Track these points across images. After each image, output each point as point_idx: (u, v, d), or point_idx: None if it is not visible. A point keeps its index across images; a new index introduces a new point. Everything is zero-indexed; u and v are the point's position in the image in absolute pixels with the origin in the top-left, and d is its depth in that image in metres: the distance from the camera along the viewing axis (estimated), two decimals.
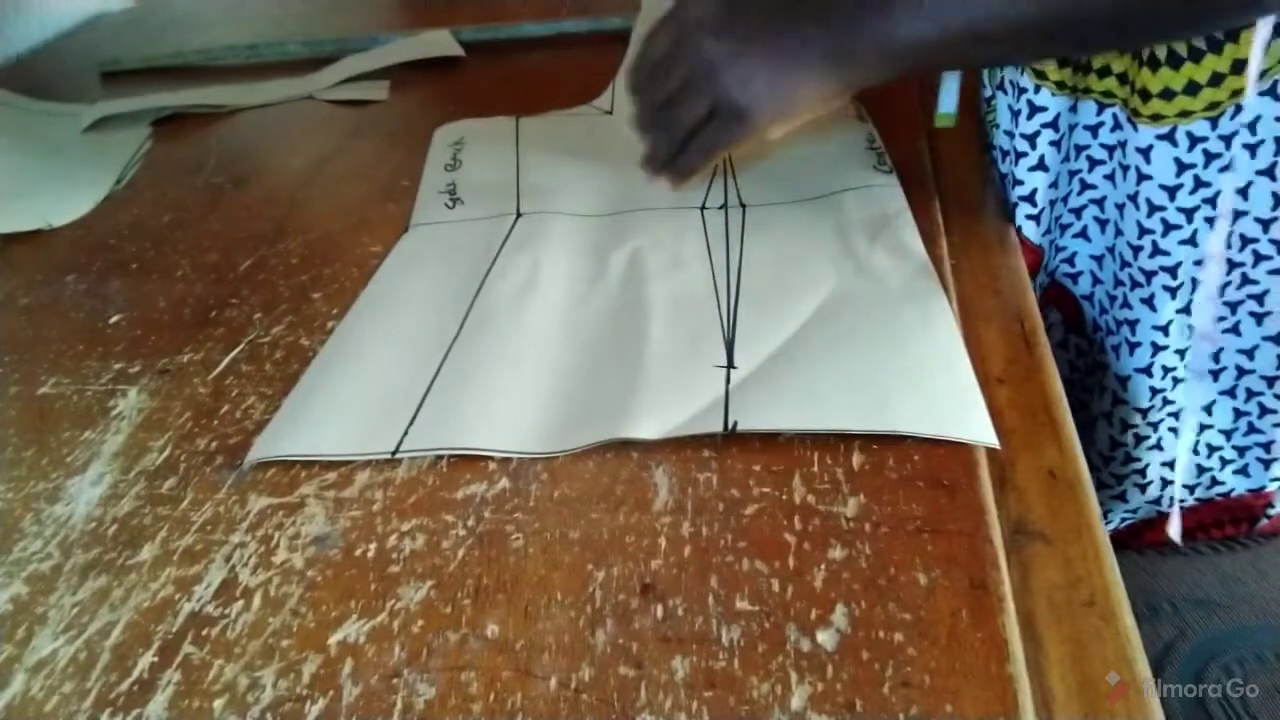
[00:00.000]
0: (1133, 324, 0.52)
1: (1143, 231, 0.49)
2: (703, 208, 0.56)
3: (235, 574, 0.35)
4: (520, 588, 0.33)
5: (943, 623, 0.30)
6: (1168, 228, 0.48)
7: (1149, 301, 0.50)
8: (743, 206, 0.56)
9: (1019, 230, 0.54)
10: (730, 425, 0.38)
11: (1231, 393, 0.53)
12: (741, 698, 0.29)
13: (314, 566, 0.35)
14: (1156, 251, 0.49)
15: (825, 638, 0.30)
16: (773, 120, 0.47)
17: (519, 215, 0.58)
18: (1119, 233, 0.51)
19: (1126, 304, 0.52)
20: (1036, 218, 0.54)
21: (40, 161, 0.77)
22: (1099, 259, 0.54)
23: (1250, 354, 0.51)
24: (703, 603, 0.32)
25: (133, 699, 0.31)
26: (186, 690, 0.31)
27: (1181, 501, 0.57)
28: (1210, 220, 0.47)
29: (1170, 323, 0.51)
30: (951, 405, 0.38)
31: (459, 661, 0.31)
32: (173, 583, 0.35)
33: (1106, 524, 0.57)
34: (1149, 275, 0.49)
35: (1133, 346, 0.52)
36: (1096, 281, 0.55)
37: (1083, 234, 0.54)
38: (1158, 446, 0.55)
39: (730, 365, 0.42)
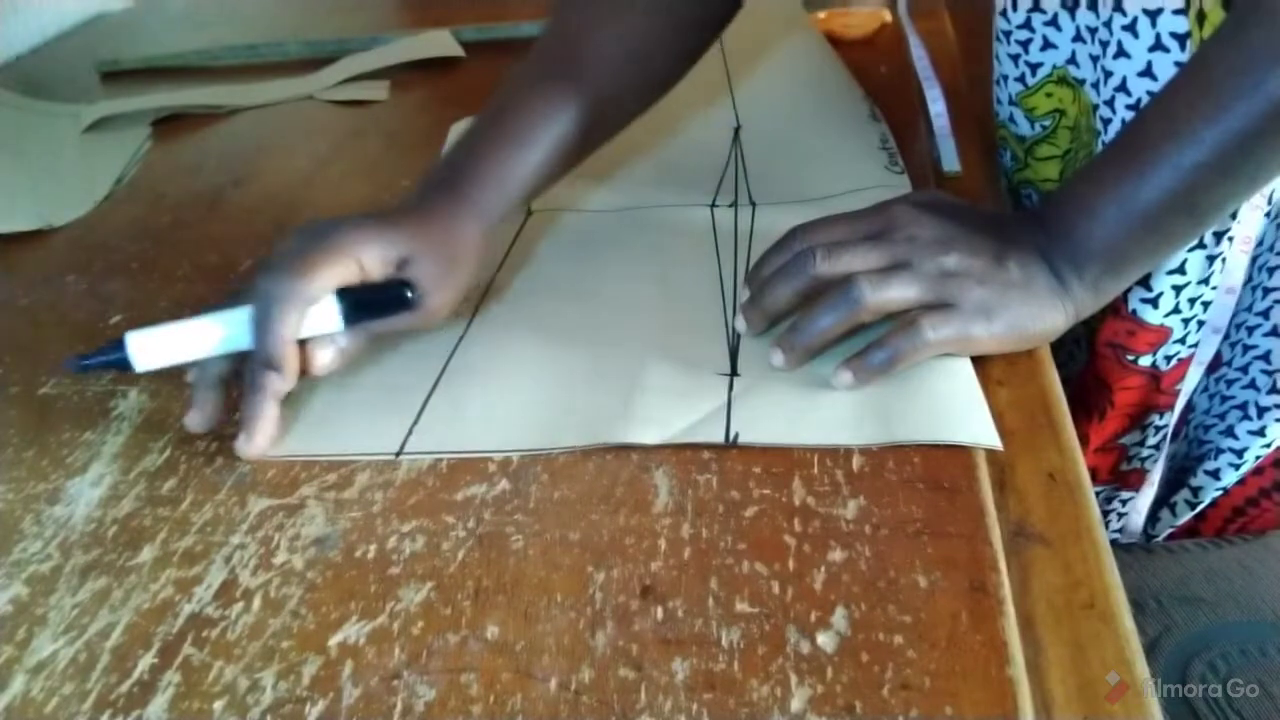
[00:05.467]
0: None
1: None
2: (713, 205, 0.56)
3: (235, 575, 0.35)
4: (520, 589, 0.33)
5: (942, 625, 0.30)
6: None
7: None
8: (753, 204, 0.56)
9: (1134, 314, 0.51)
10: (731, 437, 0.38)
11: None
12: (741, 700, 0.29)
13: (314, 568, 0.35)
14: None
15: (825, 640, 0.30)
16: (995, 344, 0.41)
17: (529, 213, 0.58)
18: None
19: None
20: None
21: (40, 161, 0.77)
22: None
23: None
24: (702, 605, 0.32)
25: (133, 700, 0.31)
26: (186, 692, 0.31)
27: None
28: None
29: None
30: (954, 409, 0.38)
31: (459, 663, 0.31)
32: (173, 584, 0.35)
33: (1198, 499, 0.57)
34: None
35: None
36: None
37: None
38: None
39: (733, 373, 0.42)
